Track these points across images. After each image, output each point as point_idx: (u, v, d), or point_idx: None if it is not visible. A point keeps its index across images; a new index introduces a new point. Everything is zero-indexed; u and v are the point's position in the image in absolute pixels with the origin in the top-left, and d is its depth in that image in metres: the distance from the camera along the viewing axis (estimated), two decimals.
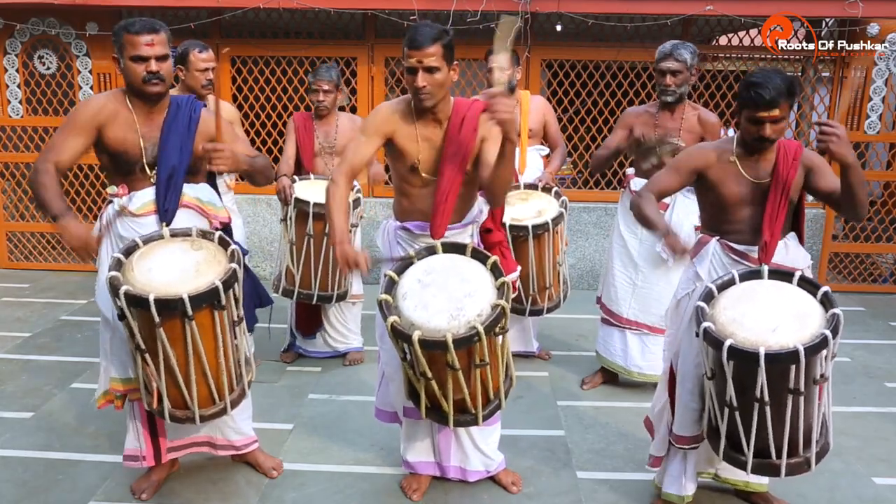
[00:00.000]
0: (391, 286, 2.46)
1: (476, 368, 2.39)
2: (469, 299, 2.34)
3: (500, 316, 2.33)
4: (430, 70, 2.42)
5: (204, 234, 2.58)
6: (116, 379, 2.70)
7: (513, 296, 2.83)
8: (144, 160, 2.58)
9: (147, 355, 2.43)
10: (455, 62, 2.52)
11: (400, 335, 2.32)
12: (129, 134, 2.56)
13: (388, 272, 2.49)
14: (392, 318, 2.33)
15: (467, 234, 2.71)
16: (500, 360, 2.50)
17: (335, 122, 4.11)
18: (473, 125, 2.55)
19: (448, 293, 2.37)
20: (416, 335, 2.27)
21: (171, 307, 2.31)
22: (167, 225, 2.59)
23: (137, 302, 2.31)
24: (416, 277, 2.45)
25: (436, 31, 2.43)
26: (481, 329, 2.27)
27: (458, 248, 2.55)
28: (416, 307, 2.35)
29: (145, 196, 2.61)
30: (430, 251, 2.54)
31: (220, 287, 2.38)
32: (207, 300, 2.37)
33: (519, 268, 2.88)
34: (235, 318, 2.54)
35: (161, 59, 2.49)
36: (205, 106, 2.73)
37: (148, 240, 2.53)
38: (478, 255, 2.52)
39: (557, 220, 3.80)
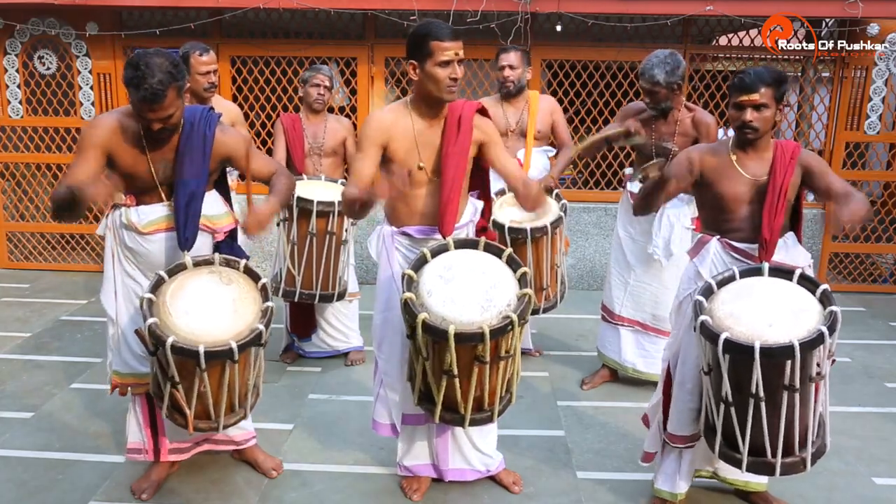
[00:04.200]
0: (411, 284, 2.44)
1: (500, 361, 2.40)
2: (495, 290, 2.36)
3: (528, 303, 2.36)
4: (461, 62, 2.47)
5: (228, 263, 2.57)
6: (117, 372, 2.72)
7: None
8: (156, 180, 2.55)
9: (179, 386, 2.42)
10: None
11: (433, 331, 2.31)
12: (139, 157, 2.53)
13: (405, 271, 2.48)
14: (422, 315, 2.31)
15: (464, 234, 2.72)
16: (518, 353, 2.51)
17: (324, 123, 4.11)
18: (468, 126, 2.58)
19: (473, 286, 2.38)
20: (451, 329, 2.26)
21: (219, 356, 2.33)
22: (188, 250, 2.57)
23: (185, 353, 2.30)
24: (437, 274, 2.44)
25: (456, 28, 2.52)
26: (515, 318, 2.29)
27: (470, 244, 2.56)
28: (444, 302, 2.35)
29: (154, 213, 2.59)
30: (443, 248, 2.54)
31: (263, 330, 2.40)
32: (251, 345, 2.40)
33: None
34: (263, 343, 2.53)
35: (166, 118, 2.40)
36: (219, 118, 2.67)
37: (172, 272, 2.50)
38: (491, 249, 2.53)
39: (556, 223, 3.79)
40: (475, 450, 2.88)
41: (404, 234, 2.66)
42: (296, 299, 3.94)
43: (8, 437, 3.31)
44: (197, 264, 2.54)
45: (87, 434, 3.33)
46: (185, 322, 2.36)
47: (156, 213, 2.59)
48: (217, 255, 2.57)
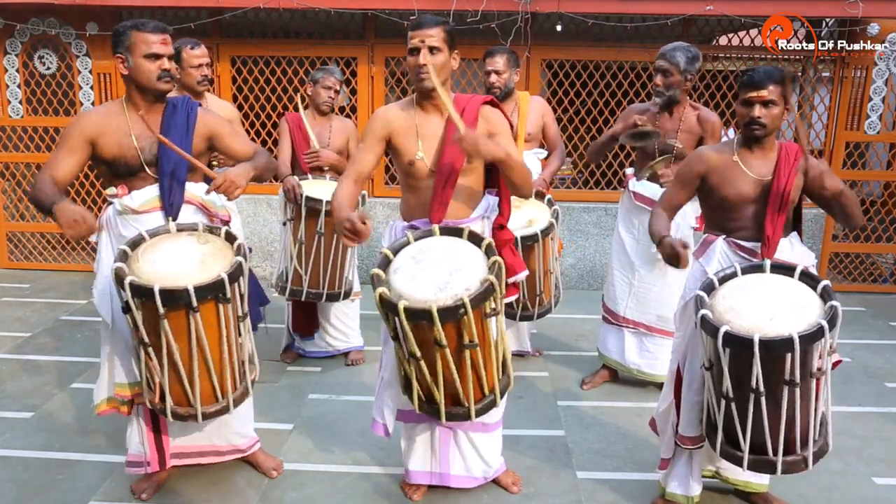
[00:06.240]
0: (386, 263, 2.48)
1: (465, 350, 2.36)
2: (459, 274, 2.35)
3: (488, 290, 2.31)
4: (432, 50, 2.48)
5: (210, 230, 2.60)
6: (122, 384, 2.69)
7: (514, 298, 2.84)
8: (143, 160, 2.59)
9: (150, 349, 2.43)
10: (456, 51, 2.57)
11: (387, 305, 2.33)
12: (124, 139, 2.57)
13: (383, 249, 2.52)
14: (381, 289, 2.34)
15: (478, 230, 2.69)
16: (492, 348, 2.47)
17: (329, 123, 4.12)
18: (473, 115, 2.58)
19: (438, 268, 2.38)
20: (401, 304, 2.26)
21: (176, 298, 2.31)
22: (173, 220, 2.60)
23: (142, 292, 2.31)
24: (410, 255, 2.47)
25: (439, 18, 2.54)
26: (467, 301, 2.25)
27: (455, 232, 2.56)
28: (405, 280, 2.37)
29: (147, 193, 2.61)
30: (427, 234, 2.57)
31: (226, 279, 2.38)
32: (212, 292, 2.37)
33: (527, 270, 2.88)
34: (240, 314, 2.54)
35: (171, 58, 2.56)
36: (200, 105, 2.75)
37: (154, 234, 2.54)
38: (474, 238, 2.53)
39: (547, 230, 3.77)
40: (478, 457, 2.85)
41: (413, 227, 2.66)
42: (302, 298, 3.96)
43: (8, 437, 3.31)
44: (181, 230, 2.57)
45: (87, 434, 3.33)
46: (151, 269, 2.38)
47: (150, 193, 2.62)
48: (201, 223, 2.60)
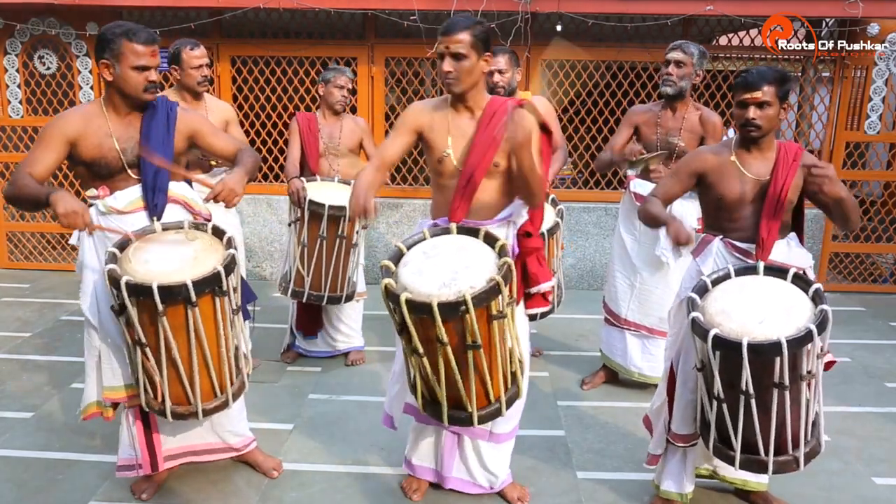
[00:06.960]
0: (398, 257, 2.48)
1: (468, 350, 2.32)
2: (466, 272, 2.32)
3: (492, 290, 2.26)
4: (457, 56, 2.47)
5: (196, 226, 2.60)
6: (114, 387, 2.67)
7: (545, 309, 2.79)
8: (125, 162, 2.58)
9: (147, 349, 2.43)
10: (488, 53, 2.54)
11: (390, 296, 2.32)
12: (105, 140, 2.55)
13: (397, 244, 2.51)
14: (387, 280, 2.33)
15: (501, 234, 2.64)
16: (498, 354, 2.41)
17: (340, 123, 4.11)
18: (503, 119, 2.55)
19: (448, 265, 2.36)
20: (404, 296, 2.25)
21: (174, 294, 2.32)
22: (157, 219, 2.59)
23: (140, 291, 2.31)
24: (423, 250, 2.46)
25: (469, 21, 2.51)
26: (469, 298, 2.21)
27: (471, 232, 2.55)
28: (412, 273, 2.36)
29: (131, 194, 2.60)
30: (444, 232, 2.56)
31: (222, 272, 2.40)
32: (210, 285, 2.39)
33: (554, 278, 2.83)
34: (234, 307, 2.55)
35: (157, 69, 2.55)
36: (178, 104, 2.73)
37: (140, 234, 2.54)
38: (489, 239, 2.51)
39: (553, 230, 3.78)
40: (481, 466, 2.83)
41: (435, 225, 2.64)
42: (304, 300, 3.96)
43: (8, 437, 3.31)
44: (166, 229, 2.57)
45: (86, 434, 3.33)
46: (145, 268, 2.39)
47: (134, 194, 2.61)
48: (186, 221, 2.60)
